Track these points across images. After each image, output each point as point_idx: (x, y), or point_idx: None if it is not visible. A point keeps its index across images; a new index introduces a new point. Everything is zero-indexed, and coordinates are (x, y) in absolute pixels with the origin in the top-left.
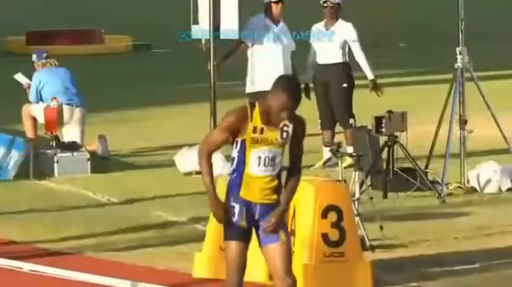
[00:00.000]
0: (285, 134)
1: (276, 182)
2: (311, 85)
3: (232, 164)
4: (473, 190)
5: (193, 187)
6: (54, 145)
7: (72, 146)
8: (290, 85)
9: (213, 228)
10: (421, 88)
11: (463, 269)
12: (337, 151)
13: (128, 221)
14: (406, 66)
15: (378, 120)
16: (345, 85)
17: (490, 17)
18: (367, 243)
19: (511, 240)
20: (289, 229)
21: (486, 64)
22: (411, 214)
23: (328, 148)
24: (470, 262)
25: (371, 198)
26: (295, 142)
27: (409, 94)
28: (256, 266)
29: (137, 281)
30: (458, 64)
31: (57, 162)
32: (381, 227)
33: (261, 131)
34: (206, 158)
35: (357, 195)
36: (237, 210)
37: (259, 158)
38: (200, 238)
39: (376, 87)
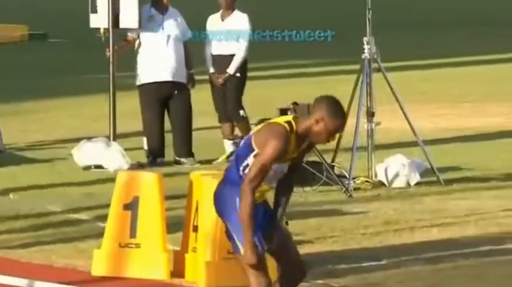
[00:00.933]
0: (302, 152)
1: None
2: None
3: (242, 171)
4: (381, 184)
5: (91, 181)
6: None
7: None
8: (338, 107)
9: (112, 224)
10: (327, 79)
11: (370, 266)
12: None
13: (24, 217)
14: (313, 56)
15: (283, 112)
16: (238, 75)
17: (401, 3)
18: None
19: (419, 236)
20: (191, 225)
21: (395, 54)
22: (317, 209)
23: (230, 141)
24: (377, 259)
25: None
26: (304, 154)
27: (315, 85)
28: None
29: (34, 280)
30: (366, 54)
31: None
32: (286, 223)
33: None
34: (253, 194)
35: None
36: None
37: (277, 171)
38: (99, 234)
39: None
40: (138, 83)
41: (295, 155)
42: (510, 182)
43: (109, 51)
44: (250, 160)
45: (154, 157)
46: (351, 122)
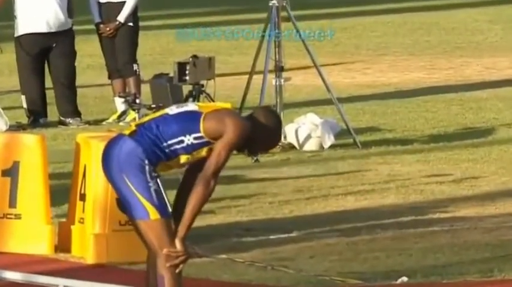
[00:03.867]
0: None
1: None
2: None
3: (168, 146)
4: (291, 147)
5: None
6: None
7: None
8: (280, 129)
9: None
10: (231, 29)
11: (279, 238)
12: (133, 103)
13: None
14: (215, 4)
15: (181, 66)
16: (129, 24)
17: None
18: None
19: (333, 204)
20: (78, 193)
21: (306, 1)
22: (219, 175)
23: (121, 99)
24: (287, 231)
25: None
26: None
27: (216, 36)
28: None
29: None
30: (274, 1)
31: None
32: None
33: None
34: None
35: None
36: None
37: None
38: None
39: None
40: (16, 34)
41: None
42: (434, 145)
43: None
44: (189, 139)
45: (36, 117)
46: (257, 77)
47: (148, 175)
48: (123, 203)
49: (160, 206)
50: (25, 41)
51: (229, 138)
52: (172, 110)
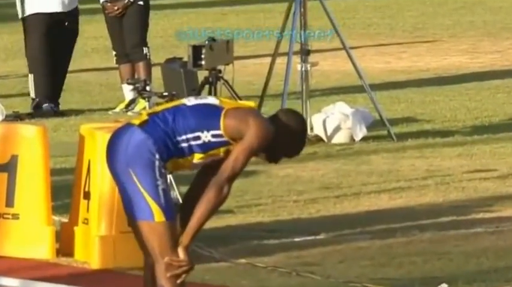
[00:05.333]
0: None
1: None
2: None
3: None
4: (319, 139)
5: None
6: None
7: None
8: (305, 135)
9: None
10: (251, 9)
11: (305, 241)
12: (143, 90)
13: None
14: None
15: (196, 50)
16: (140, 3)
17: None
18: None
19: (365, 203)
20: (82, 191)
21: None
22: None
23: (129, 86)
24: (314, 232)
25: None
26: None
27: (234, 17)
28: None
29: None
30: None
31: None
32: None
33: None
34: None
35: None
36: None
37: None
38: None
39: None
40: (21, 15)
41: None
42: (477, 137)
43: None
44: (206, 135)
45: (41, 101)
46: (281, 61)
47: (157, 172)
48: (124, 201)
49: (167, 208)
50: (33, 21)
51: (250, 141)
52: (190, 101)
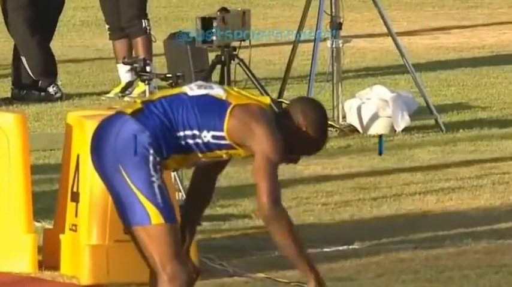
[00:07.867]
0: None
1: None
2: None
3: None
4: (352, 130)
5: None
6: None
7: None
8: (326, 127)
9: None
10: None
11: (336, 251)
12: (142, 71)
13: None
14: None
15: (206, 23)
16: None
17: None
18: None
19: (408, 207)
20: (69, 192)
21: None
22: None
23: (126, 67)
24: (347, 241)
25: None
26: None
27: None
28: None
29: None
30: None
31: None
32: None
33: None
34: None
35: None
36: None
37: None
38: None
39: None
40: None
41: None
42: None
43: None
44: (205, 136)
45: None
46: (307, 38)
47: (152, 167)
48: (116, 204)
49: (165, 208)
50: None
51: (266, 158)
52: (193, 89)
